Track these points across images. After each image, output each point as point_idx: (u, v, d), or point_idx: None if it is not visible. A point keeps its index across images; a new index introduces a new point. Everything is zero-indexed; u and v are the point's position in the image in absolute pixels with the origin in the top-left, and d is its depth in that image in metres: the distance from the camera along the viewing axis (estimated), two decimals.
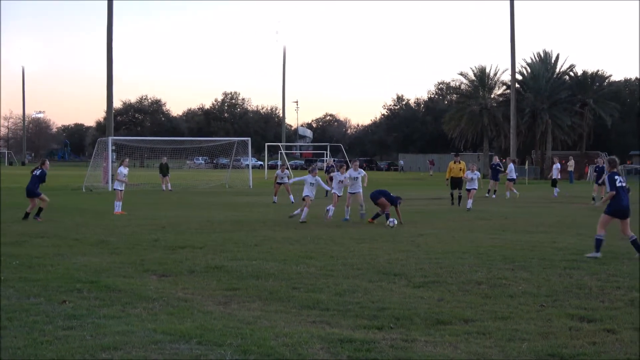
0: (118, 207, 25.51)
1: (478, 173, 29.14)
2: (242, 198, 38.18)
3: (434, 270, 13.13)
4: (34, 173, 23.22)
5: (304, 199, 22.93)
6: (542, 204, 33.74)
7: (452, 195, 32.18)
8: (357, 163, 25.80)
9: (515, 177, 41.11)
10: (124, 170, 26.36)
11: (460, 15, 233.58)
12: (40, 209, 22.77)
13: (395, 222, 21.19)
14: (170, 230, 20.36)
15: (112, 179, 27.94)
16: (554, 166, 42.39)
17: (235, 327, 8.59)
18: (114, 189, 27.03)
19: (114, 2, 51.13)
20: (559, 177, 42.12)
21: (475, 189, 29.11)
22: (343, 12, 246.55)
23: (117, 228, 20.56)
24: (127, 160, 28.38)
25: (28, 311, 9.31)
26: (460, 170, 31.39)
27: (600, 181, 29.96)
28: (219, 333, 8.30)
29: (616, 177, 15.08)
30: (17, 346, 7.64)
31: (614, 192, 14.94)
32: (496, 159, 41.02)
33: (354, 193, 24.06)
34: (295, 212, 23.10)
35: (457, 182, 32.48)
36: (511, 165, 41.31)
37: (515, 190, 38.29)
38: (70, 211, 26.78)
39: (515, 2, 65.82)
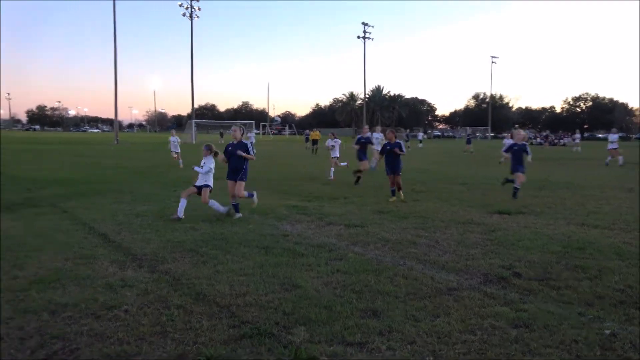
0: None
1: (339, 140, 12.33)
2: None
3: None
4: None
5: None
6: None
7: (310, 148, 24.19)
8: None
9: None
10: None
11: (339, 65, 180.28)
12: None
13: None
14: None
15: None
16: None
17: (247, 203, 7.28)
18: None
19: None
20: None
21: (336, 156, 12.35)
22: None
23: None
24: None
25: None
26: (316, 135, 24.68)
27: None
28: (245, 207, 7.08)
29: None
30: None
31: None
32: (365, 130, 21.53)
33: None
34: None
35: (316, 142, 24.24)
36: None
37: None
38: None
39: (366, 60, 64.32)
